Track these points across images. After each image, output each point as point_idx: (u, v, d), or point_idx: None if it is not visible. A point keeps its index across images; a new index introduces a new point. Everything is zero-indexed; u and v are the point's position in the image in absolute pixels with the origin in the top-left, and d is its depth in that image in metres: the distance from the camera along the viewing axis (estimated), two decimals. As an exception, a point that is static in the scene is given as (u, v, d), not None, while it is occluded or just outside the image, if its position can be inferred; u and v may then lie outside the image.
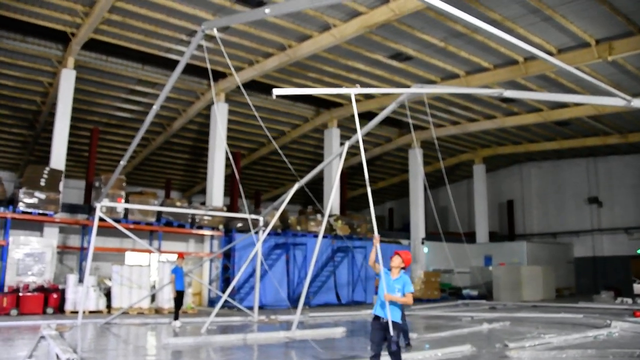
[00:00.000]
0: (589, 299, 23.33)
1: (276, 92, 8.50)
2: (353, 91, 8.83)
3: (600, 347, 10.29)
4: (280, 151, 16.85)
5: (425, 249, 28.35)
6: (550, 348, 10.17)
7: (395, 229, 38.75)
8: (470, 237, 31.30)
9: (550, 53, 17.60)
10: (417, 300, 22.91)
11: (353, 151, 22.31)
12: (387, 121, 23.93)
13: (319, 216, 23.31)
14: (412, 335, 11.20)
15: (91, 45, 18.28)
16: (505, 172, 36.28)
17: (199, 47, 10.00)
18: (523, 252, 28.60)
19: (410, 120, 21.98)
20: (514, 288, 25.13)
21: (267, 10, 8.12)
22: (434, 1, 6.76)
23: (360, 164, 31.72)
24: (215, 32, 9.61)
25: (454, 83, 20.72)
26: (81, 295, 14.63)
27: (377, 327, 6.30)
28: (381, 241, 6.60)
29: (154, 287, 17.68)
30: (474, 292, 25.96)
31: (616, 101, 10.76)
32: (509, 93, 11.43)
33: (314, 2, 7.98)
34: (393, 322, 6.16)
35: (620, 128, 26.14)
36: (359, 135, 8.55)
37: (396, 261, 6.48)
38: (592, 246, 31.81)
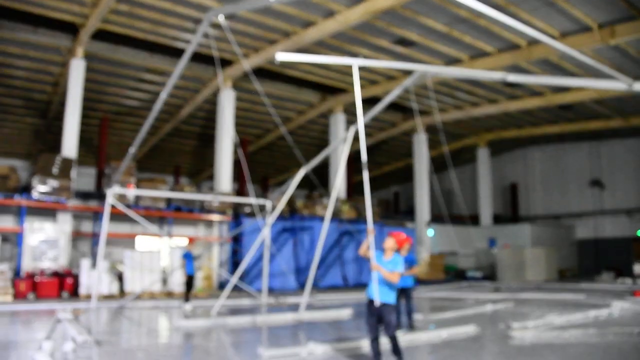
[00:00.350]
0: (590, 280, 23.58)
1: (279, 57, 8.57)
2: (355, 61, 8.92)
3: (601, 326, 10.47)
4: (289, 136, 17.01)
5: (431, 232, 28.61)
6: (552, 328, 10.31)
7: (401, 212, 39.01)
8: (475, 220, 31.51)
9: (553, 37, 17.62)
10: (422, 282, 23.21)
11: (359, 135, 22.52)
12: (392, 106, 24.07)
13: (325, 200, 23.55)
14: (418, 317, 11.36)
15: (100, 35, 18.50)
16: (509, 156, 36.40)
17: (205, 35, 10.12)
18: (526, 235, 28.86)
19: (414, 105, 22.08)
20: (517, 269, 25.38)
21: None
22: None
23: (366, 149, 31.89)
24: (221, 20, 9.71)
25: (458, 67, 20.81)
26: (94, 279, 14.92)
27: (371, 311, 6.26)
28: (387, 224, 6.74)
29: (165, 271, 18.04)
30: (479, 274, 26.21)
31: (618, 85, 10.90)
32: (513, 77, 11.54)
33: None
34: (387, 304, 6.13)
35: (622, 112, 26.17)
36: (359, 109, 8.57)
37: (389, 243, 6.43)
38: (594, 228, 32.04)
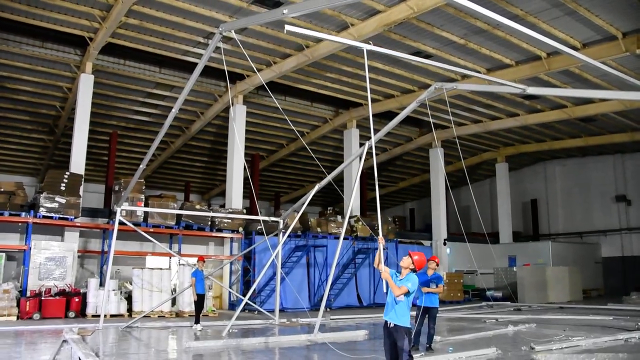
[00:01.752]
0: (618, 301, 22.75)
1: (288, 27, 8.28)
2: (365, 47, 8.91)
3: (632, 350, 10.02)
4: (307, 147, 16.64)
5: (448, 250, 27.97)
6: (578, 351, 9.94)
7: (416, 229, 38.36)
8: (494, 238, 30.82)
9: (574, 47, 17.12)
10: (440, 302, 22.56)
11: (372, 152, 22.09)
12: (408, 120, 23.57)
13: (339, 217, 23.13)
14: (436, 338, 10.94)
15: (109, 49, 18.40)
16: (529, 171, 35.63)
17: (216, 49, 9.92)
18: (548, 253, 28.04)
19: (431, 119, 21.69)
20: (539, 289, 24.65)
21: (285, 11, 8.00)
22: (454, -3, 6.55)
23: (381, 164, 31.48)
24: (233, 34, 9.52)
25: (474, 81, 20.32)
26: (102, 299, 14.65)
27: (386, 334, 6.11)
28: (401, 242, 6.38)
29: (174, 290, 17.65)
30: (498, 294, 25.51)
31: (644, 96, 10.40)
32: (532, 90, 11.19)
33: (332, 1, 7.82)
34: (401, 327, 5.95)
35: (648, 124, 25.45)
36: (370, 112, 8.31)
37: (405, 262, 6.23)
38: (620, 245, 30.98)
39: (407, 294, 5.95)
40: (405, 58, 10.78)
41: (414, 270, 6.21)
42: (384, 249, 6.55)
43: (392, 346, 6.04)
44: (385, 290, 6.23)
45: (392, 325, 5.98)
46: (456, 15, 15.92)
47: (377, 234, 6.81)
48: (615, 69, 15.50)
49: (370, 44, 9.52)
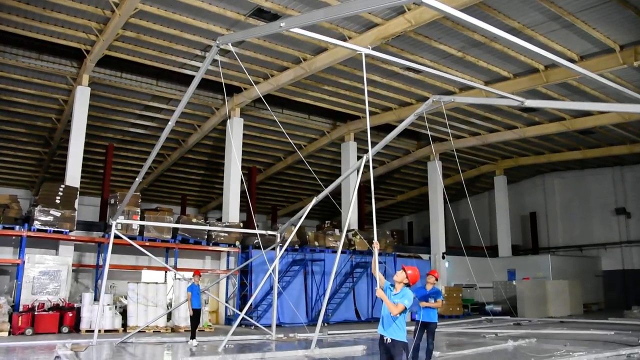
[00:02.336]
0: (619, 315, 22.54)
1: (285, 24, 8.17)
2: (364, 50, 8.86)
3: None
4: (305, 160, 16.50)
5: (446, 264, 27.78)
6: None
7: (415, 243, 38.16)
8: (493, 251, 30.61)
9: (572, 60, 17.14)
10: (439, 316, 22.35)
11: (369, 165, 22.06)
12: (405, 133, 23.61)
13: (336, 231, 22.96)
14: (435, 353, 10.76)
15: (105, 61, 18.37)
16: (528, 184, 35.54)
17: (214, 61, 9.87)
18: (548, 266, 27.85)
19: (428, 132, 21.63)
20: (539, 303, 24.44)
21: (282, 24, 7.93)
22: (451, 10, 6.49)
23: (379, 177, 31.37)
24: (230, 47, 9.46)
25: (472, 93, 20.35)
26: (97, 313, 14.42)
27: (383, 350, 6.01)
28: (400, 256, 6.26)
29: (170, 305, 17.43)
30: (498, 308, 25.28)
31: (643, 108, 10.34)
32: (531, 102, 11.12)
33: (330, 14, 7.76)
34: (398, 342, 5.85)
35: (647, 136, 25.43)
36: (367, 123, 8.21)
37: (399, 276, 6.14)
38: (621, 259, 30.78)
39: (404, 310, 5.86)
40: (403, 66, 10.72)
41: (408, 285, 6.12)
42: (380, 262, 6.45)
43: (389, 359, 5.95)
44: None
45: (389, 340, 5.88)
46: (453, 28, 15.93)
47: (371, 247, 6.71)
48: (613, 81, 15.53)
49: (368, 47, 9.49)
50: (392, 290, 6.07)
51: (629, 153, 27.36)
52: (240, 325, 16.63)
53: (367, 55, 10.61)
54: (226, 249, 20.34)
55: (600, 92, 20.10)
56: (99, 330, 14.31)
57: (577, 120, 23.30)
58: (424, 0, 5.78)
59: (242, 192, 21.93)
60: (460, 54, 17.77)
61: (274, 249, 16.67)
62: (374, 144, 12.12)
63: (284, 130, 15.54)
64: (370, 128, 8.11)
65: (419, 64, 18.28)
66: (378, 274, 6.18)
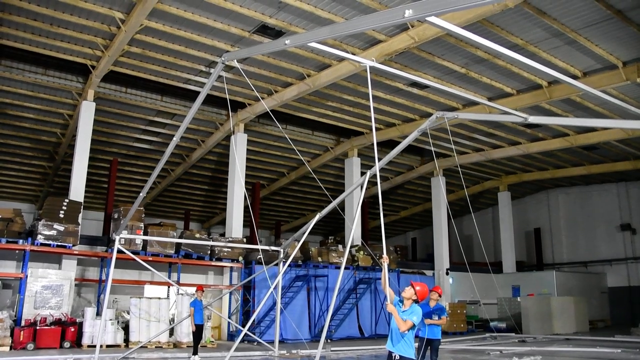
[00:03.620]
0: (626, 332, 22.25)
1: (289, 42, 8.16)
2: (369, 63, 8.92)
3: None
4: (312, 172, 16.42)
5: (450, 280, 27.58)
6: None
7: (418, 259, 37.96)
8: (497, 267, 30.43)
9: (575, 76, 17.19)
10: (443, 333, 22.16)
11: (374, 180, 22.06)
12: (409, 149, 23.60)
13: (340, 247, 22.87)
14: (439, 371, 10.63)
15: (111, 77, 18.50)
16: (532, 200, 35.38)
17: (218, 77, 9.94)
18: (552, 282, 27.62)
19: (432, 148, 21.64)
20: (544, 320, 24.19)
21: (287, 42, 7.97)
22: (454, 28, 6.54)
23: (383, 193, 31.21)
24: (235, 63, 9.51)
25: (476, 109, 20.37)
26: (99, 328, 14.27)
27: None
28: (403, 272, 6.24)
29: (172, 320, 17.33)
30: (502, 325, 25.04)
31: (646, 124, 10.31)
32: (534, 119, 11.12)
33: (334, 32, 7.81)
34: (406, 359, 5.87)
35: (651, 151, 25.34)
36: (374, 136, 8.21)
37: (408, 293, 6.13)
38: (627, 275, 30.48)
39: (413, 327, 5.85)
40: (407, 81, 10.74)
41: (416, 301, 6.11)
42: (389, 270, 6.45)
43: None
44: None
45: (397, 357, 5.87)
46: (457, 44, 16.00)
47: (379, 263, 6.71)
48: (616, 97, 15.57)
49: (373, 60, 9.53)
50: (401, 307, 6.06)
51: (633, 169, 27.25)
52: (242, 341, 16.48)
53: (372, 71, 10.73)
54: (229, 265, 20.26)
55: (604, 108, 20.10)
56: (101, 346, 14.15)
57: (580, 136, 23.28)
58: (428, 17, 5.82)
59: (246, 208, 21.89)
60: (463, 71, 17.83)
61: (277, 264, 16.60)
62: (378, 159, 12.14)
63: (291, 144, 15.61)
64: (373, 145, 8.09)
65: (422, 79, 18.41)
66: (388, 289, 6.17)
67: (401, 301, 6.13)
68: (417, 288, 6.09)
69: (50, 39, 16.11)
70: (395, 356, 5.88)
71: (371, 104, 8.38)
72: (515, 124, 22.15)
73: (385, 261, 6.44)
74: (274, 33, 15.50)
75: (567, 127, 22.66)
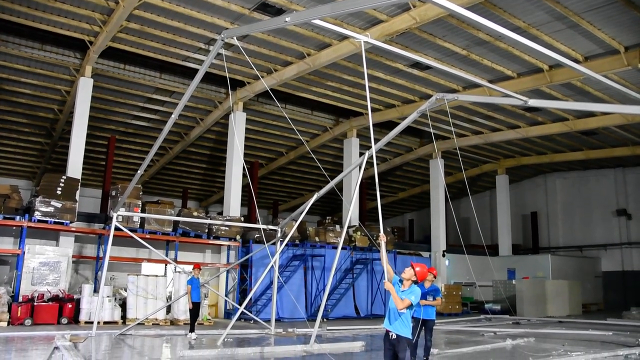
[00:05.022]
0: (618, 316, 22.56)
1: (289, 19, 8.11)
2: (363, 38, 8.84)
3: None
4: (311, 152, 16.40)
5: (447, 262, 27.79)
6: None
7: (415, 240, 38.18)
8: (493, 250, 30.60)
9: (576, 60, 17.07)
10: (438, 314, 22.42)
11: (373, 161, 22.08)
12: (408, 131, 23.55)
13: (337, 227, 22.96)
14: (433, 351, 10.82)
15: (109, 53, 18.33)
16: (529, 183, 35.53)
17: (218, 55, 9.83)
18: (548, 266, 27.87)
19: (431, 130, 21.58)
20: (538, 303, 24.45)
21: (287, 19, 7.91)
22: (457, 8, 6.47)
23: (381, 174, 31.31)
24: (235, 41, 9.42)
25: (476, 92, 20.28)
26: (96, 305, 14.43)
27: (388, 345, 6.01)
28: (400, 253, 6.26)
29: (169, 298, 17.45)
30: (497, 307, 25.30)
31: (647, 110, 10.31)
32: (534, 102, 11.11)
33: (335, 10, 7.74)
34: (404, 338, 5.89)
35: (650, 138, 25.35)
36: (370, 118, 8.20)
37: (408, 273, 6.16)
38: (621, 260, 30.81)
39: (410, 306, 5.90)
40: (407, 61, 10.68)
41: (415, 282, 6.16)
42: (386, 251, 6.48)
43: (394, 358, 5.95)
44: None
45: (394, 336, 5.90)
46: (458, 26, 15.86)
47: (376, 244, 6.74)
48: (617, 82, 15.46)
49: (368, 36, 9.47)
50: (400, 287, 6.10)
51: (631, 155, 27.33)
52: (239, 319, 16.63)
53: (372, 51, 10.63)
54: (227, 243, 20.34)
55: (604, 93, 20.03)
56: (98, 322, 14.32)
57: (580, 120, 23.25)
58: (430, -3, 5.76)
59: (244, 187, 21.91)
60: (464, 52, 17.70)
61: (274, 243, 16.67)
62: (376, 140, 12.11)
63: (290, 123, 15.53)
64: (373, 125, 8.05)
65: (423, 60, 18.29)
66: (387, 266, 6.21)
67: (401, 281, 6.17)
68: (417, 269, 6.13)
69: (47, 13, 15.89)
70: (392, 335, 5.92)
71: (366, 82, 8.32)
72: (515, 107, 22.09)
73: (382, 239, 6.47)
74: (274, 11, 15.32)
75: (567, 112, 22.62)
